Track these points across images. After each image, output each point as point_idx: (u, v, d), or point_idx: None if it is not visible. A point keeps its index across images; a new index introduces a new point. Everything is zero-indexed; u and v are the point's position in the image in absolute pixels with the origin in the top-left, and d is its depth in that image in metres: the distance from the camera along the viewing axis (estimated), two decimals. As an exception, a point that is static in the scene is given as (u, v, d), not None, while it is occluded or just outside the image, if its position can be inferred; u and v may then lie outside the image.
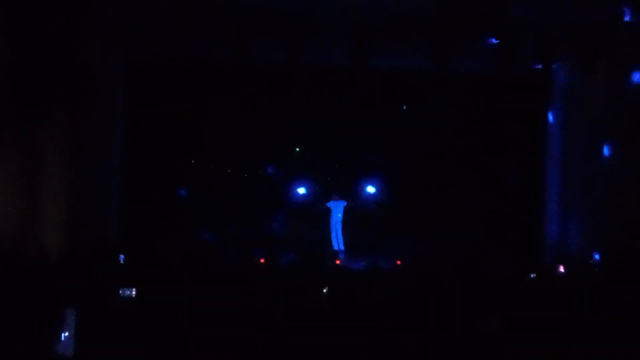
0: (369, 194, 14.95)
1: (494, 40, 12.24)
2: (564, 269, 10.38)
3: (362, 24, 12.19)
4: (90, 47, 11.84)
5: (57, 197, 11.20)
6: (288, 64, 12.69)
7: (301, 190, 14.83)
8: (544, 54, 12.84)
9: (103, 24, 12.06)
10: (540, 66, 13.30)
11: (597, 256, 11.65)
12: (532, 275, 9.02)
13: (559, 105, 14.01)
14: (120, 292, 6.66)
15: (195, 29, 12.10)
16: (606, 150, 12.45)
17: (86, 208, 12.03)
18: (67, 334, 5.53)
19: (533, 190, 14.62)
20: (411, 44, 12.26)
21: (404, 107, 14.89)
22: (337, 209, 14.77)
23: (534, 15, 11.84)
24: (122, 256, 9.33)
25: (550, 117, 14.26)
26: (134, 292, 6.64)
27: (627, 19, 11.34)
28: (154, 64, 13.58)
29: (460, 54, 12.62)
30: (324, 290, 7.85)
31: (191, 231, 13.75)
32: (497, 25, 12.03)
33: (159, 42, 12.53)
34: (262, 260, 10.50)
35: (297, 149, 15.31)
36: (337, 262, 12.03)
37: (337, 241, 14.72)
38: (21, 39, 10.32)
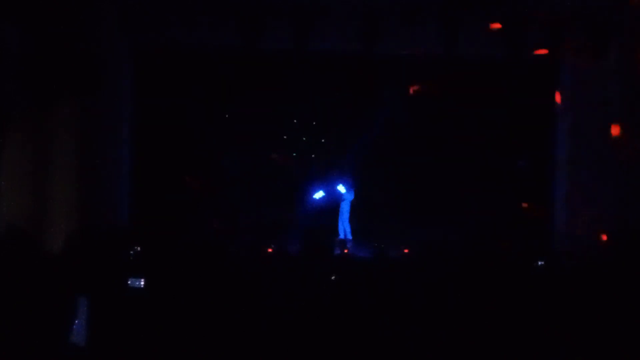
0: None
1: None
2: (573, 256, 10.36)
3: (370, 9, 12.17)
4: (97, 35, 11.85)
5: (67, 186, 11.24)
6: (296, 51, 12.70)
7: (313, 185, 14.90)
8: (553, 38, 12.79)
9: (110, 12, 12.07)
10: (549, 51, 13.25)
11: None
12: (540, 263, 9.01)
13: (568, 91, 13.96)
14: (130, 282, 6.69)
15: (203, 15, 12.12)
16: (616, 137, 12.42)
17: (96, 198, 12.07)
18: (79, 322, 5.57)
19: (542, 176, 14.61)
20: (420, 30, 12.25)
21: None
22: (344, 196, 14.78)
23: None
24: (132, 246, 9.35)
25: (559, 102, 14.22)
26: (142, 283, 6.66)
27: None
28: (161, 51, 13.61)
29: (469, 39, 12.60)
30: (332, 279, 7.87)
31: (200, 220, 13.80)
32: (506, 8, 12.00)
33: (166, 30, 12.55)
34: (269, 250, 10.53)
35: (304, 138, 15.33)
36: (346, 250, 12.06)
37: (344, 230, 14.75)
38: (28, 28, 10.33)
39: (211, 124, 14.63)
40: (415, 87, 14.73)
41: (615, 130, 12.40)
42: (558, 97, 14.20)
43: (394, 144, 14.97)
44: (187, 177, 14.57)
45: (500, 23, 12.46)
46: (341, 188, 14.67)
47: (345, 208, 14.76)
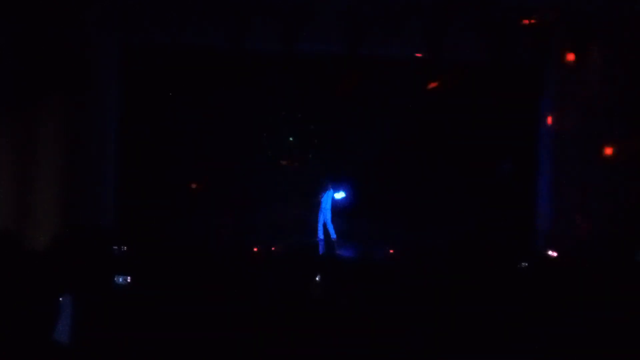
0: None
1: None
2: (556, 256, 10.45)
3: (356, 11, 12.20)
4: (85, 34, 11.82)
5: (52, 184, 11.21)
6: (282, 52, 12.71)
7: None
8: (537, 42, 12.88)
9: (97, 10, 12.03)
10: (534, 55, 13.35)
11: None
12: (524, 264, 9.06)
13: (552, 95, 14.07)
14: (116, 279, 6.69)
15: (190, 15, 12.11)
16: (600, 140, 12.52)
17: (81, 196, 12.05)
18: (63, 321, 5.56)
19: (526, 179, 14.70)
20: (405, 32, 12.29)
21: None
22: (328, 199, 14.80)
23: (529, 3, 11.89)
24: (118, 245, 9.35)
25: (544, 106, 14.33)
26: (129, 279, 6.66)
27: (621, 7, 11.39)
28: (148, 50, 13.58)
29: (454, 43, 12.66)
30: (317, 279, 7.88)
31: (186, 219, 13.77)
32: (492, 13, 12.07)
33: (154, 29, 12.53)
34: (255, 249, 10.52)
35: (291, 139, 15.33)
36: (331, 251, 12.06)
37: (329, 230, 14.76)
38: (14, 25, 10.27)
39: (198, 123, 14.61)
40: (401, 90, 14.78)
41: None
42: (542, 100, 14.32)
43: (378, 146, 15.00)
44: (173, 177, 14.55)
45: (485, 27, 12.53)
46: (327, 186, 14.69)
47: (327, 207, 14.77)
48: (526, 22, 12.37)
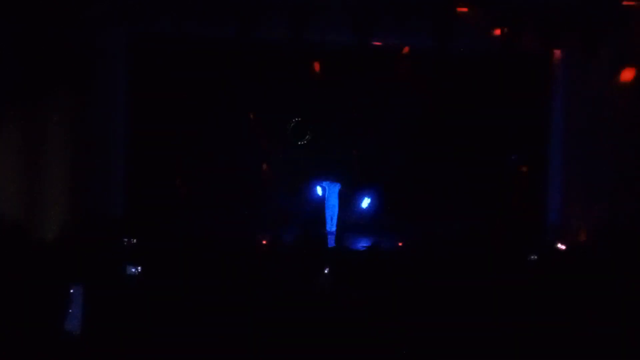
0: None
1: None
2: (566, 249, 10.44)
3: (364, 2, 12.15)
4: (92, 25, 11.83)
5: (62, 177, 11.27)
6: (291, 43, 12.66)
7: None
8: (546, 34, 12.81)
9: (104, 5, 12.03)
10: (543, 47, 13.27)
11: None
12: (533, 257, 9.06)
13: (562, 87, 14.02)
14: (128, 269, 6.74)
15: (198, 6, 12.07)
16: (609, 132, 12.47)
17: (90, 189, 12.11)
18: (74, 310, 5.60)
19: (535, 171, 14.67)
20: (414, 23, 12.24)
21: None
22: (333, 190, 14.77)
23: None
24: (127, 236, 9.40)
25: (553, 98, 14.28)
26: (139, 269, 6.70)
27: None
28: (156, 41, 13.57)
29: (463, 34, 12.61)
30: (325, 271, 7.90)
31: (194, 211, 13.80)
32: (500, 5, 12.02)
33: (161, 20, 12.51)
34: (264, 242, 10.54)
35: (298, 129, 15.30)
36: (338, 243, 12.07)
37: (332, 222, 14.75)
38: (22, 18, 10.30)
39: (206, 115, 14.61)
40: (409, 81, 14.74)
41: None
42: (552, 93, 14.28)
43: (387, 137, 14.98)
44: (181, 169, 14.58)
45: (494, 18, 12.48)
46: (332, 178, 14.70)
47: (334, 199, 14.74)
48: (536, 13, 12.30)
